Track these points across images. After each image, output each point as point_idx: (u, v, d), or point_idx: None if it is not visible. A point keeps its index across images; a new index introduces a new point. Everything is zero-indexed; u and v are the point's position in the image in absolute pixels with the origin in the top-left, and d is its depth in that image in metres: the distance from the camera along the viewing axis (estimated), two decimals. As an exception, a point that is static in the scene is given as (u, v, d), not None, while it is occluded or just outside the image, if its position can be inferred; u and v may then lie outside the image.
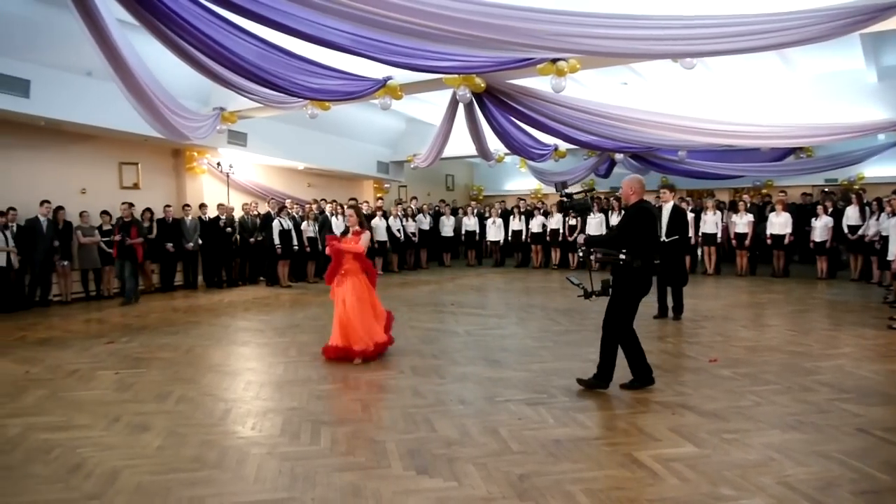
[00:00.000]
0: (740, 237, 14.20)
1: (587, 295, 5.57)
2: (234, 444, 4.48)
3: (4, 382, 6.20)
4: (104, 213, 12.26)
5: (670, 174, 17.40)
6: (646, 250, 5.39)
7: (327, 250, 6.89)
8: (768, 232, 13.96)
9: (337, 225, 14.78)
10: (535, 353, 7.08)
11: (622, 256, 5.33)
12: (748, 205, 14.70)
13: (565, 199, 5.87)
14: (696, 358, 6.74)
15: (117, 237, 11.63)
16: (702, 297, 11.02)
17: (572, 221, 16.24)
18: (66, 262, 11.74)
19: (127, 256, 11.59)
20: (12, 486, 3.84)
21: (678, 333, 8.11)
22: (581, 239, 5.99)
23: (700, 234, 14.49)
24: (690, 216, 12.77)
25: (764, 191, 17.74)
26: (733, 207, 15.14)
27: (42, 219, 11.25)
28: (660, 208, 9.33)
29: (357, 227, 6.95)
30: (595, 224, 15.73)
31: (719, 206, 15.18)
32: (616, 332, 5.46)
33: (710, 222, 14.39)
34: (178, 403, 5.45)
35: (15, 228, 10.96)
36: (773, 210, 14.23)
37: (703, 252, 14.84)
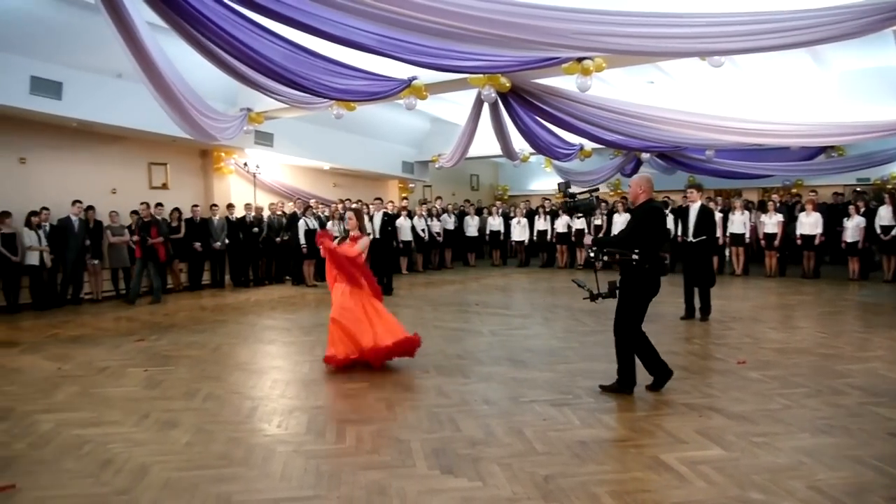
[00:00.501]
0: (769, 237, 14.00)
1: (593, 297, 5.47)
2: (260, 442, 4.53)
3: (38, 379, 6.33)
4: (134, 212, 12.45)
5: (697, 173, 17.20)
6: (656, 250, 5.33)
7: (321, 251, 6.58)
8: (798, 232, 13.73)
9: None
10: (561, 353, 7.05)
11: (635, 257, 5.23)
12: (777, 204, 14.49)
13: (569, 199, 5.79)
14: (723, 360, 6.66)
15: (136, 237, 11.74)
16: (730, 298, 10.88)
17: (597, 221, 16.14)
18: (96, 261, 11.95)
19: (149, 256, 11.70)
20: (46, 479, 3.92)
21: (705, 335, 8.01)
22: (589, 240, 5.90)
23: (728, 234, 14.32)
24: (718, 216, 12.63)
25: (794, 190, 17.45)
26: (762, 207, 14.94)
27: (74, 218, 11.46)
28: (687, 208, 9.24)
29: (356, 232, 6.74)
30: (622, 223, 15.62)
31: (748, 206, 15.00)
32: (626, 335, 5.37)
33: (738, 222, 14.22)
34: (206, 401, 5.52)
35: (48, 228, 11.20)
36: (802, 210, 14.01)
37: (731, 252, 14.67)
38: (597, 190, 6.42)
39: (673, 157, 15.81)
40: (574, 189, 5.86)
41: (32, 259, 10.90)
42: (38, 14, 9.48)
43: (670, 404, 5.15)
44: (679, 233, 11.28)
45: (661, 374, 5.48)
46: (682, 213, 10.03)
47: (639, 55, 7.93)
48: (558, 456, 4.13)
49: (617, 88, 12.93)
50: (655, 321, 8.73)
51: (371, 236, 14.05)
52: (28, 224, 10.90)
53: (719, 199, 16.21)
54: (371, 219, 13.43)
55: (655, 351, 5.47)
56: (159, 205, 12.86)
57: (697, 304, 8.88)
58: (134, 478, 3.91)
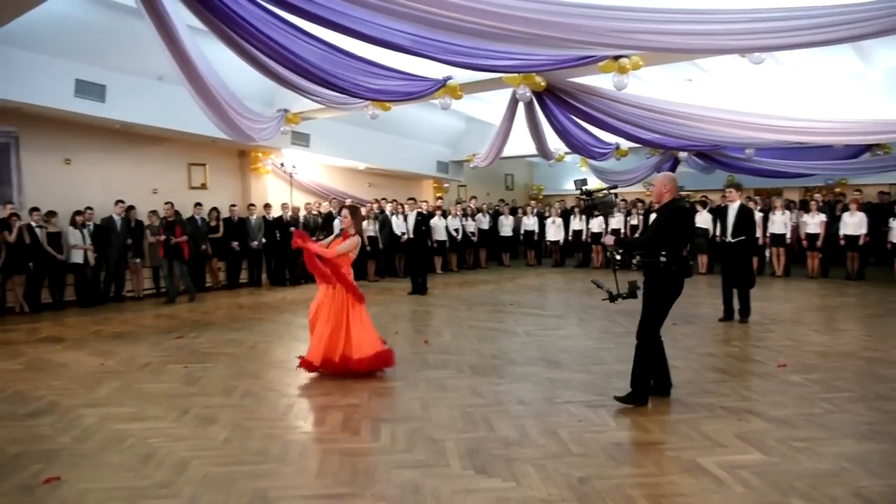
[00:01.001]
0: (811, 238, 13.67)
1: (612, 298, 5.31)
2: (296, 439, 4.58)
3: (82, 374, 6.50)
4: (152, 212, 12.64)
5: (737, 172, 16.88)
6: (681, 251, 5.20)
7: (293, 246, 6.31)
8: (842, 232, 13.38)
9: (397, 224, 14.94)
10: (596, 354, 6.99)
11: (662, 259, 5.06)
12: (820, 204, 14.14)
13: (586, 197, 5.66)
14: (763, 362, 6.53)
15: (162, 237, 11.77)
16: (770, 299, 10.66)
17: (633, 221, 15.95)
18: (138, 260, 12.21)
19: (174, 255, 11.62)
20: (89, 472, 4.02)
21: (745, 337, 7.87)
22: (609, 240, 5.67)
23: (768, 234, 14.04)
24: (758, 216, 12.37)
25: (837, 189, 17.03)
26: (804, 207, 14.60)
27: (116, 218, 11.74)
28: (725, 208, 9.08)
29: (350, 230, 6.34)
30: (703, 222, 15.32)
31: (789, 206, 14.68)
32: (649, 339, 5.16)
33: (779, 222, 13.94)
34: (243, 398, 5.60)
35: (92, 227, 11.50)
36: (846, 209, 13.65)
37: (771, 253, 14.37)
38: (615, 187, 6.23)
39: (711, 155, 15.54)
40: (590, 187, 5.73)
41: (77, 257, 11.21)
42: (83, 18, 9.73)
43: (708, 407, 5.07)
44: (717, 233, 11.10)
45: (664, 384, 5.34)
46: (720, 213, 9.86)
47: (677, 52, 7.84)
48: (593, 458, 4.10)
49: (654, 86, 12.78)
50: (693, 322, 8.61)
51: (406, 236, 14.17)
52: (73, 223, 11.21)
53: (758, 198, 15.89)
54: (405, 218, 13.51)
55: (666, 360, 5.34)
56: (198, 204, 13.10)
57: (736, 305, 8.72)
58: (174, 472, 3.99)
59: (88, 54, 10.39)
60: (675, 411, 5.03)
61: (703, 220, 14.77)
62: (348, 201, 14.97)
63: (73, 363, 6.98)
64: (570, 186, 22.57)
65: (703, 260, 15.00)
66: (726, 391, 5.49)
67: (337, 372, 6.12)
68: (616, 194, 5.97)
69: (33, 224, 10.72)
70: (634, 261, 5.26)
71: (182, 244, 11.70)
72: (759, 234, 12.78)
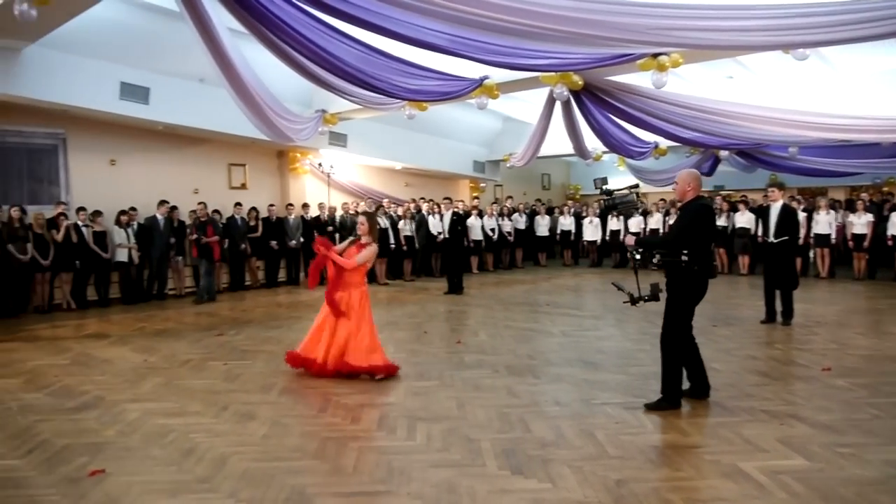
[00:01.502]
0: (858, 238, 13.32)
1: (633, 301, 5.18)
2: (333, 437, 4.62)
3: (126, 370, 6.65)
4: (214, 211, 12.90)
5: (780, 171, 16.53)
6: (705, 250, 5.08)
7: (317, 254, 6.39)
8: (889, 233, 12.99)
9: (433, 224, 14.96)
10: (634, 355, 6.91)
11: (684, 258, 4.91)
12: (867, 203, 13.76)
13: (606, 197, 5.51)
14: (807, 366, 6.38)
15: (193, 236, 11.96)
16: (814, 301, 10.40)
17: (672, 220, 15.72)
18: (180, 259, 12.45)
19: (203, 255, 11.76)
20: (133, 465, 4.11)
21: (788, 340, 7.70)
22: (630, 240, 5.53)
23: (812, 234, 13.70)
24: (802, 216, 12.10)
25: (885, 188, 16.55)
26: (850, 206, 14.22)
27: (160, 217, 11.99)
28: (768, 207, 8.90)
29: (366, 238, 6.31)
30: (745, 222, 15.03)
31: (834, 206, 14.30)
32: (675, 342, 5.06)
33: (824, 222, 13.59)
34: (281, 395, 5.67)
35: (136, 226, 11.78)
36: (894, 209, 13.25)
37: (815, 254, 14.02)
38: (637, 186, 6.03)
39: (753, 154, 15.24)
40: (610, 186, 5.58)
41: (122, 256, 11.50)
42: (128, 23, 9.98)
43: (750, 411, 4.97)
44: (759, 233, 10.88)
45: (701, 386, 5.23)
46: (762, 213, 9.66)
47: (718, 49, 7.69)
48: (631, 460, 4.05)
49: (693, 84, 12.57)
50: (733, 324, 8.46)
51: (442, 236, 14.18)
52: (118, 223, 11.51)
53: (801, 197, 15.53)
54: (441, 218, 13.54)
55: (702, 362, 5.25)
56: (238, 204, 13.32)
57: (779, 307, 8.54)
58: (214, 467, 4.06)
59: (133, 58, 10.66)
60: (714, 414, 4.94)
61: (745, 220, 14.50)
62: (385, 201, 15.09)
63: (118, 359, 7.16)
64: (604, 186, 22.34)
65: (744, 260, 14.71)
66: (768, 395, 5.38)
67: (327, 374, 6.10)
68: (637, 194, 5.77)
69: (80, 223, 11.03)
70: (655, 260, 5.12)
71: (213, 244, 11.82)
72: (802, 234, 12.49)
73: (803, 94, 12.26)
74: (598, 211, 17.41)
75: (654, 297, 5.12)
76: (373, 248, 6.31)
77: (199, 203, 12.30)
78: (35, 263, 10.39)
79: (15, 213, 10.25)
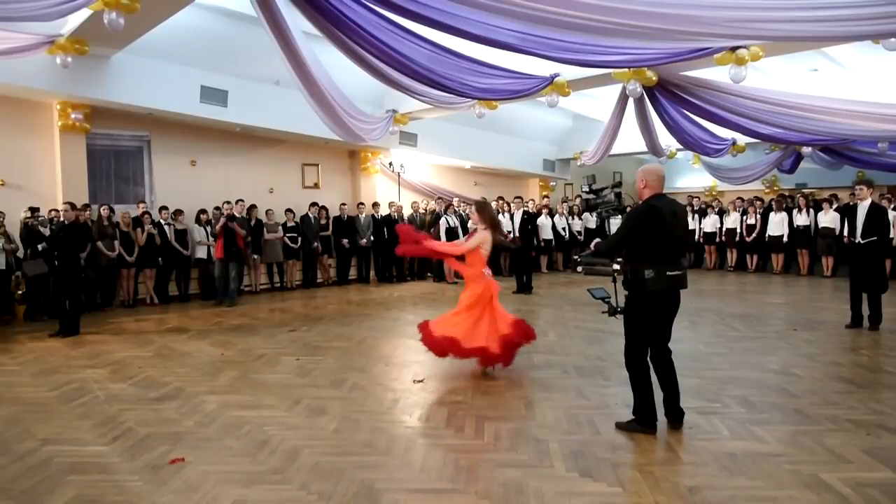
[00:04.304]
0: (954, 239, 12.50)
1: (612, 312, 4.73)
2: (402, 433, 4.66)
3: (204, 363, 6.90)
4: (288, 210, 13.24)
5: (868, 168, 15.70)
6: (655, 258, 4.35)
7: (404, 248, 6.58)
8: None
9: (504, 223, 14.89)
10: (708, 359, 6.70)
11: (616, 266, 4.41)
12: (967, 202, 12.92)
13: (592, 196, 5.19)
14: (897, 373, 6.05)
15: (220, 237, 11.26)
16: (905, 305, 9.84)
17: (751, 220, 15.18)
18: (256, 256, 12.83)
19: (233, 257, 11.26)
20: (210, 455, 4.26)
21: (875, 345, 7.31)
22: (594, 245, 4.96)
23: (904, 235, 12.95)
24: (892, 215, 11.46)
25: None
26: (946, 205, 13.37)
27: (237, 216, 12.34)
28: (855, 206, 8.48)
29: (479, 226, 6.38)
30: (778, 222, 14.65)
31: (927, 204, 13.47)
32: (628, 361, 4.59)
33: (916, 222, 12.82)
34: (352, 391, 5.77)
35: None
36: None
37: (907, 255, 13.25)
38: (619, 185, 5.60)
39: (839, 150, 14.52)
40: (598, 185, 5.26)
41: (201, 253, 11.95)
42: (208, 28, 10.37)
43: (833, 420, 4.74)
44: (846, 233, 10.36)
45: (646, 418, 4.48)
46: (849, 212, 9.20)
47: (802, 41, 7.37)
48: (705, 467, 3.93)
49: (774, 78, 12.08)
50: (816, 329, 8.11)
51: (511, 235, 14.12)
52: (197, 221, 11.96)
53: (891, 196, 14.70)
54: (511, 217, 13.48)
55: (652, 393, 4.51)
56: (314, 204, 13.63)
57: (866, 311, 8.12)
58: (287, 459, 4.16)
59: (212, 62, 11.07)
60: (795, 422, 4.74)
61: (828, 219, 13.88)
62: (455, 200, 15.13)
63: (197, 352, 7.44)
64: (682, 184, 21.84)
65: (828, 262, 14.07)
66: (854, 403, 5.12)
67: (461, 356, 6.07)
68: (619, 193, 5.36)
69: (162, 221, 11.52)
70: (580, 269, 4.68)
71: (240, 244, 11.37)
72: (893, 234, 11.83)
73: (895, 86, 11.62)
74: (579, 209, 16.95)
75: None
76: (479, 235, 6.27)
77: (225, 202, 11.50)
78: (121, 260, 10.92)
79: (104, 211, 10.81)
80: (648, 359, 4.57)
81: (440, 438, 4.53)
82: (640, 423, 4.49)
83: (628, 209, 5.88)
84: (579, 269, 4.69)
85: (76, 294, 8.66)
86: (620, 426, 4.57)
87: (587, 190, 5.07)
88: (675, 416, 4.57)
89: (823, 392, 5.45)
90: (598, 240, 4.72)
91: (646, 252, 4.37)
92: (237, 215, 11.60)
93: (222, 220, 11.11)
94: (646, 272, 4.34)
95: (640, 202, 4.57)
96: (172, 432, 4.71)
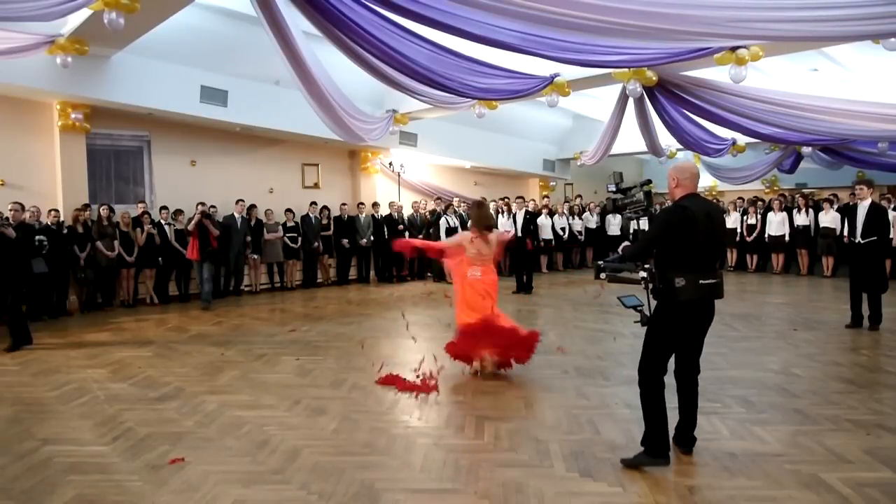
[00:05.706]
0: (954, 239, 12.50)
1: (645, 321, 4.17)
2: (402, 433, 4.66)
3: (204, 363, 6.90)
4: (288, 210, 13.24)
5: (868, 168, 15.71)
6: (687, 265, 3.90)
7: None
8: None
9: (502, 223, 14.88)
10: (708, 359, 6.64)
11: (643, 274, 4.03)
12: (965, 202, 12.92)
13: (620, 196, 4.94)
14: (897, 373, 6.05)
15: (191, 226, 10.89)
16: (905, 305, 9.85)
17: (751, 220, 15.17)
18: (256, 256, 12.83)
19: (207, 257, 10.93)
20: (210, 455, 4.26)
21: (875, 345, 7.31)
22: (621, 249, 4.43)
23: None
24: (892, 215, 11.46)
25: None
26: (946, 205, 13.37)
27: (237, 216, 12.38)
28: (855, 206, 8.48)
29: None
30: (778, 222, 14.66)
31: (928, 204, 13.47)
32: (641, 379, 4.12)
33: (917, 222, 12.82)
34: (352, 391, 5.77)
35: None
36: None
37: (906, 255, 13.26)
38: (648, 183, 5.21)
39: (839, 150, 14.53)
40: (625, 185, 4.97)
41: (200, 253, 11.91)
42: (208, 28, 10.37)
43: (833, 420, 4.75)
44: (846, 233, 10.36)
45: (657, 447, 3.95)
46: (849, 212, 9.21)
47: (802, 41, 7.37)
48: (705, 467, 3.93)
49: (774, 78, 12.08)
50: (816, 328, 8.11)
51: (514, 233, 14.10)
52: (197, 221, 11.93)
53: (892, 196, 14.71)
54: (510, 217, 13.48)
55: (666, 417, 4.01)
56: (313, 203, 13.63)
57: (866, 311, 8.12)
58: (287, 459, 4.16)
59: (212, 62, 11.07)
60: (795, 422, 4.74)
61: (829, 219, 13.89)
62: (455, 200, 15.14)
63: (197, 352, 7.43)
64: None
65: (828, 262, 14.07)
66: (853, 403, 5.12)
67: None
68: (649, 192, 4.97)
69: (162, 221, 11.52)
70: (603, 276, 4.28)
71: (213, 244, 11.06)
72: (893, 234, 11.84)
73: (895, 86, 11.63)
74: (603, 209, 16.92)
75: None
76: (460, 234, 6.56)
77: (199, 203, 11.21)
78: (121, 260, 10.91)
79: (104, 211, 10.80)
80: (673, 375, 4.21)
81: (440, 438, 4.53)
82: (651, 453, 3.95)
83: (656, 210, 5.38)
84: (602, 275, 4.23)
85: (16, 303, 7.69)
86: (627, 463, 3.99)
87: (613, 189, 4.71)
88: (686, 442, 4.17)
89: (823, 392, 5.45)
90: (626, 243, 4.36)
91: (676, 258, 3.93)
92: (211, 214, 11.42)
93: (196, 216, 10.75)
94: (676, 280, 3.88)
95: (671, 202, 4.20)
96: (172, 432, 4.71)
